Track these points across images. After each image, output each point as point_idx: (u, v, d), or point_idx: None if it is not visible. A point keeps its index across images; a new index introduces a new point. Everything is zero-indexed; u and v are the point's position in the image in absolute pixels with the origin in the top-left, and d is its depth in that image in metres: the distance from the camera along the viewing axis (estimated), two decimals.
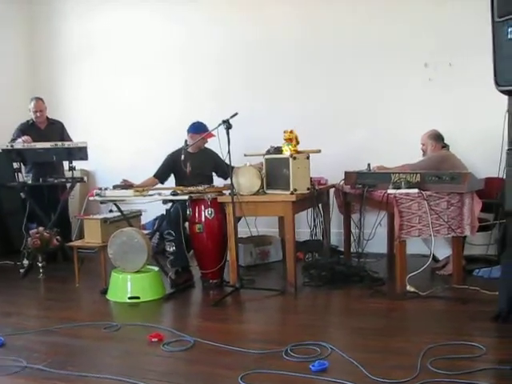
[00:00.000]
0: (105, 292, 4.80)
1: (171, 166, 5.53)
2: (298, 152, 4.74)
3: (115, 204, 5.11)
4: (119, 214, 5.14)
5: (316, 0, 6.21)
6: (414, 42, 5.83)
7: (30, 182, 5.85)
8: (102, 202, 5.21)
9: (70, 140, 6.10)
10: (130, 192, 4.92)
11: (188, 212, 4.83)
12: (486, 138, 5.32)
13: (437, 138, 5.18)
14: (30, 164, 6.03)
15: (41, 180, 5.83)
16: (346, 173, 5.23)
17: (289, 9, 6.31)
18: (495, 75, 3.20)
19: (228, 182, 5.29)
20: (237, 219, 4.83)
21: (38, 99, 6.17)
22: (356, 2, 6.05)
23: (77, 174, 5.98)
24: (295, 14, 6.30)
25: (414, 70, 5.85)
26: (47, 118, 6.27)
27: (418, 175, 4.47)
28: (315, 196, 4.97)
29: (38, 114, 6.11)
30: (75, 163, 5.86)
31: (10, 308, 4.56)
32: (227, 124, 4.61)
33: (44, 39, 7.53)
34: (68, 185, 6.00)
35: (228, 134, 4.59)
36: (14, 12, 7.39)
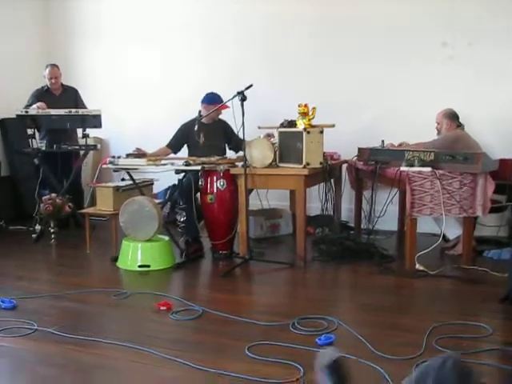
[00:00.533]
0: (115, 260, 4.85)
1: (184, 136, 5.52)
2: (311, 126, 4.72)
3: (128, 172, 5.11)
4: (131, 182, 5.15)
5: None
6: (432, 21, 5.72)
7: (43, 148, 5.87)
8: (114, 170, 5.22)
9: (84, 107, 6.11)
10: (142, 161, 4.92)
11: (200, 182, 4.84)
12: (501, 119, 5.28)
13: (452, 116, 5.12)
14: (44, 130, 6.05)
15: (55, 146, 5.84)
16: (359, 149, 5.21)
17: None
18: None
19: (240, 154, 5.29)
20: (248, 191, 4.84)
21: (54, 66, 6.16)
22: None
23: (90, 141, 6.00)
24: None
25: (432, 49, 5.76)
26: (62, 84, 6.27)
27: (432, 154, 4.43)
28: (327, 171, 4.95)
29: (53, 81, 6.11)
30: (89, 131, 5.88)
31: (21, 272, 4.63)
32: (242, 96, 4.58)
33: (61, 10, 7.47)
34: (81, 152, 6.01)
35: (242, 105, 4.56)
36: None
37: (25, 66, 7.10)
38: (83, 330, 3.32)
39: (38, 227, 5.77)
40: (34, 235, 5.70)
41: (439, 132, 5.17)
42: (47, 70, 6.12)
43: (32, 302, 3.84)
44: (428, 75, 5.79)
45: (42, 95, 6.09)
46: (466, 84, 5.60)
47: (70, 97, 6.24)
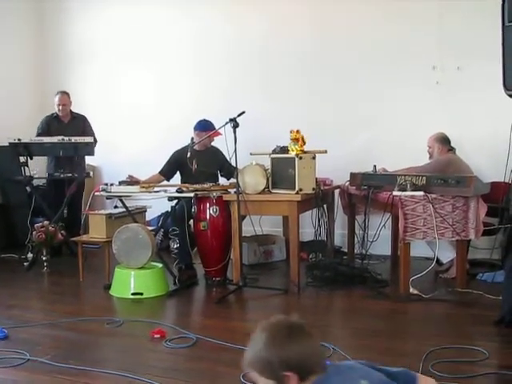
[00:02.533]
0: (108, 287, 4.81)
1: (177, 164, 5.54)
2: (304, 152, 4.74)
3: (120, 200, 5.11)
4: (124, 209, 5.15)
5: (326, 5, 6.20)
6: (421, 45, 5.82)
7: (36, 175, 5.88)
8: (107, 198, 5.22)
9: (92, 134, 6.12)
10: (135, 188, 4.93)
11: (193, 209, 4.84)
12: (492, 143, 5.32)
13: (443, 140, 5.18)
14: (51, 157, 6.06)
15: (47, 174, 5.85)
16: (351, 174, 5.23)
17: (299, 13, 6.30)
18: (504, 79, 3.20)
19: (232, 180, 5.31)
20: (241, 218, 4.84)
21: (64, 93, 6.25)
22: (364, 6, 6.03)
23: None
24: (305, 19, 6.28)
25: (422, 74, 5.84)
26: (71, 111, 6.33)
27: (424, 178, 4.46)
28: (320, 196, 4.97)
29: (61, 108, 6.19)
30: None
31: (13, 301, 4.58)
32: (234, 122, 4.61)
33: (52, 37, 7.55)
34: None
35: (235, 132, 4.59)
36: (23, 12, 7.40)
37: (18, 94, 7.13)
38: (76, 359, 3.28)
39: (30, 255, 5.74)
40: (26, 263, 5.67)
41: (431, 156, 5.22)
42: (57, 97, 6.19)
43: (24, 331, 3.79)
44: (418, 100, 5.86)
45: (50, 122, 6.16)
46: (456, 108, 5.67)
47: (78, 124, 6.30)
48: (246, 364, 1.79)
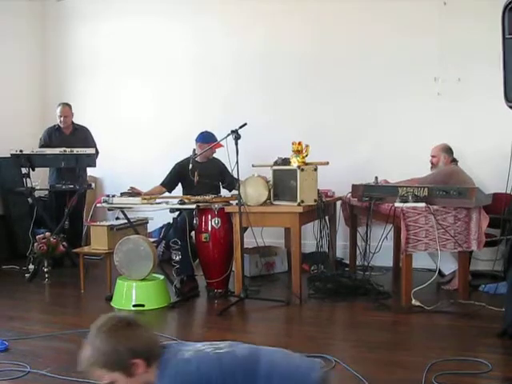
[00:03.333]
0: (110, 299, 4.80)
1: (179, 175, 5.54)
2: (305, 164, 4.75)
3: (122, 211, 5.12)
4: (126, 221, 5.15)
5: (327, 16, 6.24)
6: (422, 57, 5.85)
7: (38, 187, 5.89)
8: (109, 209, 5.22)
9: (94, 146, 6.14)
10: (137, 200, 4.93)
11: (195, 221, 4.84)
12: (494, 154, 5.32)
13: (449, 151, 5.21)
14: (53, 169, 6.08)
15: (49, 186, 5.86)
16: (353, 185, 5.23)
17: (300, 24, 6.35)
18: (505, 91, 3.20)
19: (234, 192, 5.31)
20: (243, 229, 4.84)
21: (65, 105, 6.27)
22: (366, 17, 6.07)
23: None
24: (306, 30, 6.33)
25: (423, 85, 5.86)
26: (73, 123, 6.34)
27: (426, 189, 4.46)
28: (322, 208, 4.97)
29: (63, 119, 6.21)
30: None
31: (14, 312, 4.57)
32: (236, 134, 4.62)
33: (55, 50, 7.60)
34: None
35: (237, 144, 4.60)
36: (26, 25, 7.45)
37: (20, 105, 7.17)
38: (77, 371, 3.22)
39: (31, 267, 5.73)
40: (27, 275, 5.66)
41: (433, 165, 5.23)
42: (58, 109, 6.22)
43: (25, 343, 3.78)
44: (420, 111, 5.89)
45: (52, 134, 6.18)
46: (457, 119, 5.69)
47: (80, 136, 6.31)
48: (87, 364, 1.86)
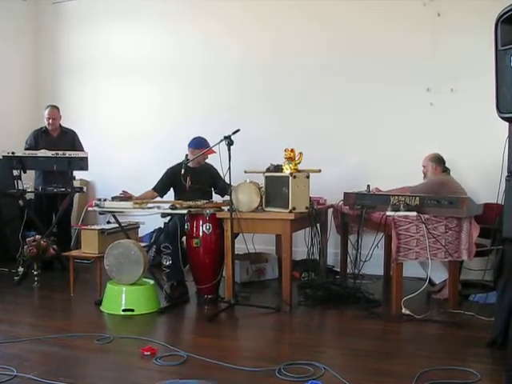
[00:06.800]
0: (99, 303, 4.77)
1: (171, 180, 5.54)
2: (298, 171, 4.75)
3: (113, 215, 5.10)
4: (117, 225, 5.13)
5: (324, 30, 6.28)
6: (415, 67, 5.87)
7: (29, 189, 5.85)
8: (100, 213, 5.20)
9: (82, 149, 6.11)
10: (128, 204, 4.92)
11: (186, 226, 4.83)
12: (485, 164, 5.33)
13: (438, 160, 5.21)
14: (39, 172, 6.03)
15: (40, 188, 5.83)
16: (345, 193, 5.23)
17: (300, 37, 6.38)
18: (497, 102, 3.21)
19: (226, 198, 5.30)
20: (234, 235, 4.83)
21: (53, 107, 6.23)
22: (360, 26, 6.10)
23: (76, 183, 6.00)
24: (306, 42, 6.36)
25: (416, 95, 5.89)
26: (60, 126, 6.31)
27: (417, 198, 4.47)
28: (313, 215, 4.97)
29: (51, 122, 6.17)
30: (75, 173, 5.88)
31: (2, 315, 4.53)
32: (229, 140, 4.62)
33: (48, 52, 7.60)
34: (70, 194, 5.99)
35: (229, 150, 4.60)
36: (20, 27, 7.46)
37: (13, 107, 7.15)
38: (65, 375, 3.23)
39: (20, 269, 5.68)
40: (16, 277, 5.62)
41: (425, 175, 5.25)
42: (46, 111, 6.18)
43: (12, 346, 3.75)
44: (412, 121, 5.91)
45: (39, 136, 6.14)
46: (449, 129, 5.72)
47: (68, 139, 6.28)
48: None
